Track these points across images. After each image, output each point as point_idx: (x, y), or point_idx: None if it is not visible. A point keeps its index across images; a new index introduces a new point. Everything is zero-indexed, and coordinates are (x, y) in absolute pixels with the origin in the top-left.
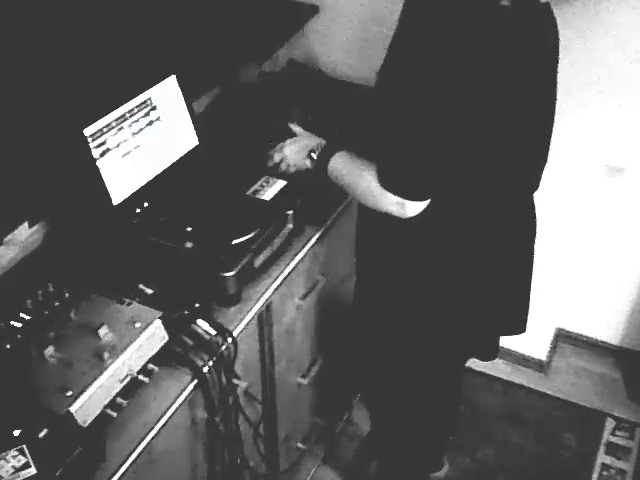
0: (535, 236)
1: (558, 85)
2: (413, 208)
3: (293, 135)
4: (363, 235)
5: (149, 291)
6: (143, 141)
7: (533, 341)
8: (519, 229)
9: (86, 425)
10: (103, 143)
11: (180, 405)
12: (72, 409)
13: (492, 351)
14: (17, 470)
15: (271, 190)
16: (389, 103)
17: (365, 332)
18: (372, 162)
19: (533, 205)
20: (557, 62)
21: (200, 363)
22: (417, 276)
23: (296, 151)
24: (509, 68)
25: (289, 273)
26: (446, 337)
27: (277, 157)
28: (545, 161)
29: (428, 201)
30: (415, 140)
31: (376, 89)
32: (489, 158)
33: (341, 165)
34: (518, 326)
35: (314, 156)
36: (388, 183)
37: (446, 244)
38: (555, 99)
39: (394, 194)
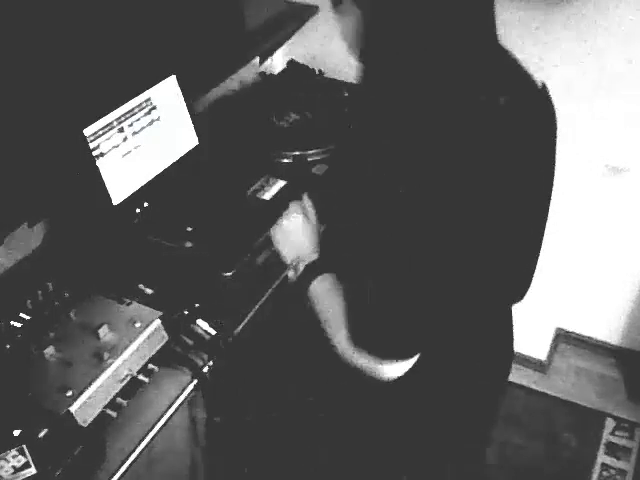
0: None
1: (559, 84)
2: (394, 369)
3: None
4: None
5: (149, 291)
6: (143, 141)
7: (533, 341)
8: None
9: (86, 425)
10: (103, 143)
11: (180, 405)
12: (72, 409)
13: None
14: (17, 470)
15: (271, 190)
16: (380, 237)
17: None
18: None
19: (511, 318)
20: (555, 153)
21: (200, 363)
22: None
23: (287, 247)
24: (508, 173)
25: None
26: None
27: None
28: (535, 264)
29: (415, 359)
30: (412, 284)
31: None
32: (476, 272)
33: (318, 293)
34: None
35: (300, 267)
36: (361, 340)
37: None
38: (550, 196)
39: (369, 353)
